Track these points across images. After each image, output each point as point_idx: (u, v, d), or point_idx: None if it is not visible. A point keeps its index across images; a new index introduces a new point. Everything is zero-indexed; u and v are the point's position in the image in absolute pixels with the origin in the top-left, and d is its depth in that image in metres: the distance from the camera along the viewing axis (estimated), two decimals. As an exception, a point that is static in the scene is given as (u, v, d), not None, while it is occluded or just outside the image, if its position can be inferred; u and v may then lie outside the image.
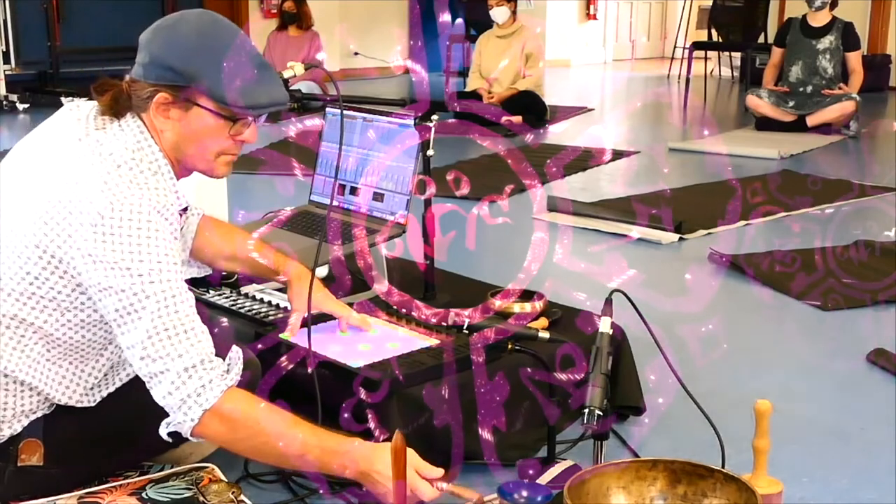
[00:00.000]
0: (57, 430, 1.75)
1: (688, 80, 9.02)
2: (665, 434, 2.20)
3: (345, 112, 2.52)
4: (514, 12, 7.18)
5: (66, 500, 1.72)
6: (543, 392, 1.98)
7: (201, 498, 1.73)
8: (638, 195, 4.58)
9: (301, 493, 1.91)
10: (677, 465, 1.63)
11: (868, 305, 3.13)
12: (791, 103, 6.69)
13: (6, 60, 8.12)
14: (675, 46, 9.79)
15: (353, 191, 2.54)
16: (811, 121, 6.58)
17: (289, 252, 2.17)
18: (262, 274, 2.13)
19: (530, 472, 1.88)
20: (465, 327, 2.09)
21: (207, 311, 2.24)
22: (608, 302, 1.84)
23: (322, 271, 2.35)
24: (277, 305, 2.26)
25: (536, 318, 2.24)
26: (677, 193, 4.69)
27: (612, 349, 1.80)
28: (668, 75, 10.13)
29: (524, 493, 1.73)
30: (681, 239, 3.94)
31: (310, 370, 1.89)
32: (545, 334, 2.04)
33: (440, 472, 1.67)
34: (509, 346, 2.02)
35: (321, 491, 1.87)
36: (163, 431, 1.67)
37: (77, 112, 1.72)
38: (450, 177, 3.32)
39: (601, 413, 1.70)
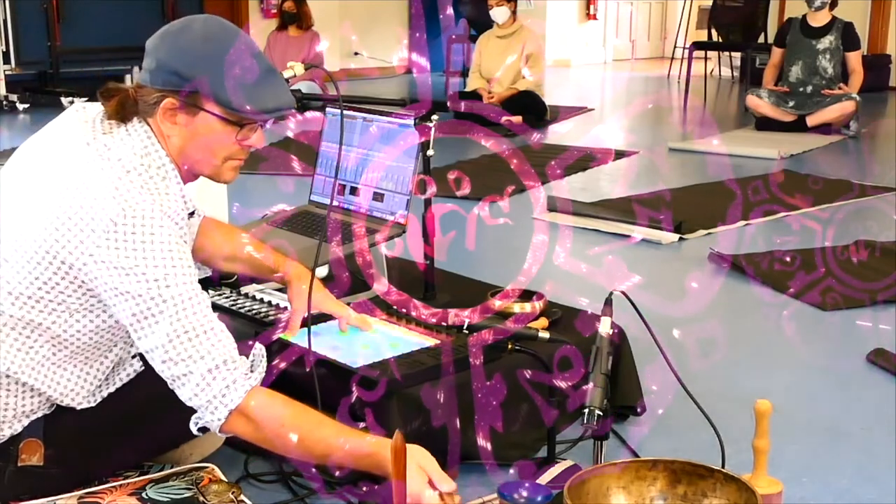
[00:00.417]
0: (57, 431, 1.75)
1: (688, 80, 9.02)
2: (665, 434, 2.20)
3: (345, 112, 2.52)
4: (514, 12, 7.18)
5: (66, 500, 1.72)
6: (542, 393, 1.98)
7: (201, 498, 1.73)
8: (638, 195, 4.58)
9: (301, 493, 1.91)
10: (677, 465, 1.63)
11: (867, 305, 3.13)
12: (791, 103, 6.69)
13: (6, 60, 8.12)
14: (675, 46, 9.79)
15: (353, 191, 2.54)
16: (811, 121, 6.58)
17: (288, 252, 2.17)
18: (261, 274, 2.14)
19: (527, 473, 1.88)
20: (464, 327, 2.09)
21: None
22: (608, 302, 1.84)
23: (322, 271, 2.35)
24: (277, 305, 2.26)
25: (536, 318, 2.24)
26: (677, 193, 4.69)
27: (612, 349, 1.80)
28: (668, 75, 10.13)
29: (524, 493, 1.73)
30: (681, 239, 3.94)
31: (308, 369, 1.89)
32: (545, 334, 2.04)
33: (453, 485, 1.66)
34: (509, 346, 2.02)
35: (316, 489, 1.87)
36: (193, 427, 1.68)
37: (83, 115, 1.72)
38: (452, 176, 3.33)
39: (601, 413, 1.70)
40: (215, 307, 2.26)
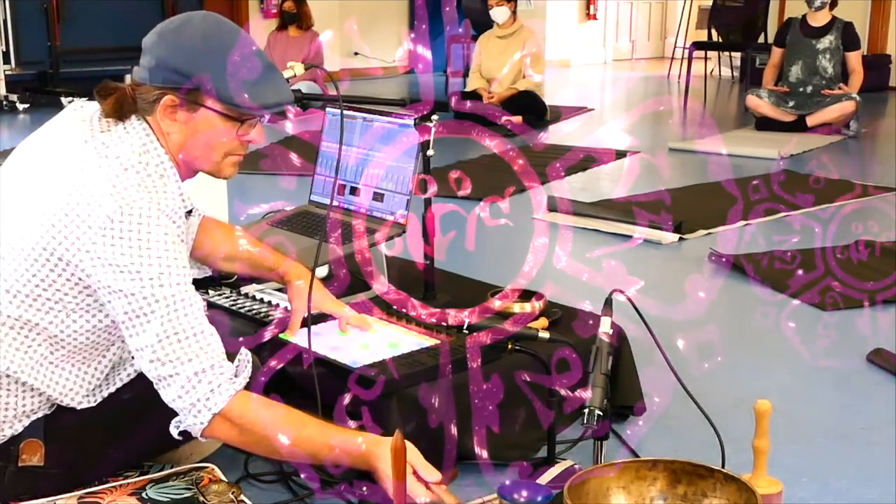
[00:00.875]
0: (58, 431, 1.75)
1: (688, 80, 9.02)
2: (665, 434, 2.20)
3: (345, 112, 2.52)
4: (514, 12, 7.18)
5: (66, 500, 1.72)
6: (540, 394, 1.98)
7: (201, 498, 1.73)
8: (638, 195, 4.58)
9: (301, 494, 1.91)
10: (677, 465, 1.63)
11: (867, 305, 3.13)
12: (791, 103, 6.69)
13: (6, 60, 8.12)
14: (675, 46, 9.79)
15: (354, 191, 2.54)
16: (811, 121, 6.58)
17: (288, 251, 2.17)
18: (261, 273, 2.14)
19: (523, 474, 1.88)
20: (464, 327, 2.09)
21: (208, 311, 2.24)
22: (608, 302, 1.84)
23: (322, 271, 2.35)
24: (277, 305, 2.26)
25: (536, 318, 2.24)
26: (677, 193, 4.69)
27: (612, 349, 1.80)
28: (668, 75, 10.13)
29: (524, 493, 1.73)
30: (681, 239, 3.94)
31: (305, 367, 1.90)
32: (545, 334, 2.04)
33: (438, 475, 1.67)
34: (509, 346, 2.02)
35: (315, 489, 1.87)
36: (174, 431, 1.68)
37: (80, 113, 1.72)
38: (454, 176, 3.33)
39: (601, 413, 1.70)
40: (215, 307, 2.28)
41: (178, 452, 1.97)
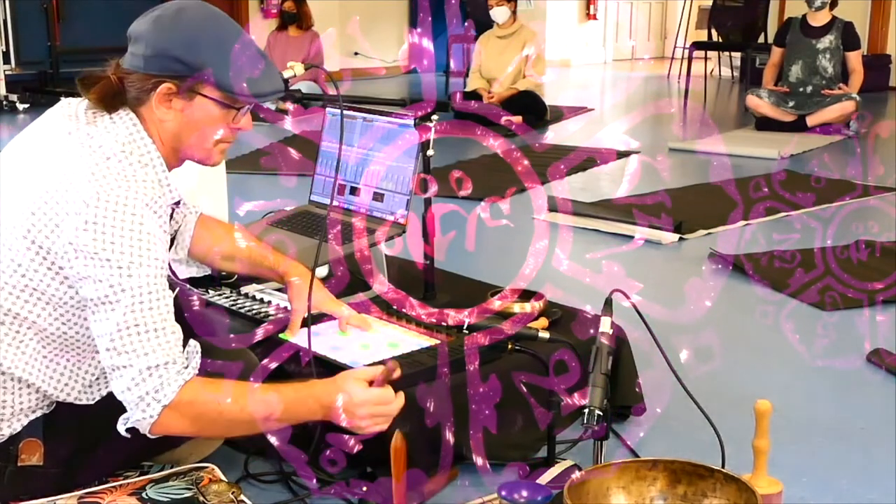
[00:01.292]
0: (57, 430, 1.75)
1: (688, 80, 9.02)
2: (665, 434, 2.20)
3: (345, 112, 2.52)
4: (514, 12, 7.18)
5: (66, 500, 1.72)
6: (538, 395, 1.98)
7: (201, 498, 1.73)
8: (638, 196, 4.58)
9: (301, 494, 1.91)
10: (677, 465, 1.63)
11: (867, 305, 3.13)
12: (791, 103, 6.69)
13: (6, 60, 8.12)
14: (675, 46, 9.79)
15: (354, 191, 2.54)
16: (811, 121, 6.58)
17: (288, 251, 2.17)
18: (261, 273, 2.14)
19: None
20: (465, 327, 2.09)
21: (207, 310, 2.24)
22: (608, 302, 1.84)
23: (322, 271, 2.35)
24: (277, 305, 2.26)
25: (536, 318, 2.24)
26: (677, 193, 4.69)
27: (612, 349, 1.80)
28: (668, 75, 10.13)
29: (524, 493, 1.73)
30: (681, 239, 3.94)
31: (303, 365, 1.90)
32: (545, 334, 2.04)
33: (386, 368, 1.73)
34: (509, 346, 2.02)
35: (310, 487, 1.87)
36: (121, 428, 1.66)
37: (67, 109, 1.72)
38: (456, 175, 3.32)
39: (601, 413, 1.70)
40: (215, 306, 2.28)
41: (178, 452, 1.96)
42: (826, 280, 3.28)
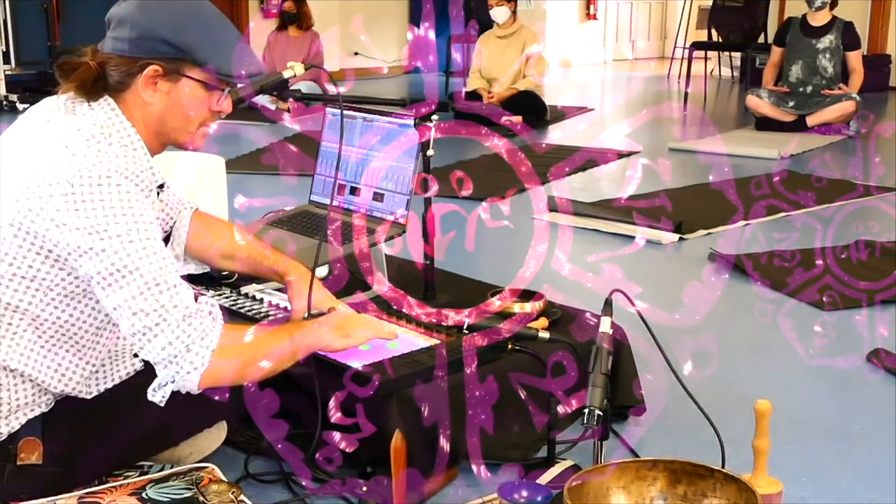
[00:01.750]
0: (56, 429, 1.75)
1: (688, 80, 9.01)
2: (665, 434, 2.20)
3: (345, 112, 2.52)
4: (514, 12, 7.18)
5: (66, 500, 1.72)
6: (536, 396, 1.98)
7: (201, 498, 1.73)
8: (638, 197, 4.58)
9: (301, 494, 1.91)
10: (677, 465, 1.63)
11: (867, 305, 3.13)
12: (791, 103, 6.69)
13: (6, 60, 8.12)
14: (675, 46, 9.79)
15: (354, 190, 2.54)
16: (811, 121, 6.58)
17: (288, 250, 2.17)
18: (260, 273, 2.13)
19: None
20: (465, 327, 2.09)
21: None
22: (608, 302, 1.84)
23: (322, 271, 2.35)
24: (277, 305, 2.26)
25: (536, 318, 2.24)
26: (677, 193, 4.69)
27: (612, 349, 1.80)
28: (668, 75, 10.13)
29: (524, 493, 1.73)
30: (681, 239, 3.94)
31: (301, 362, 1.90)
32: (545, 334, 2.04)
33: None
34: (509, 347, 2.01)
35: (304, 482, 1.88)
36: (155, 396, 1.66)
37: (48, 104, 1.73)
38: (457, 176, 3.33)
39: (601, 413, 1.70)
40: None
41: (178, 452, 1.97)
42: (825, 279, 3.28)
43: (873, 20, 9.49)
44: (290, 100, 2.43)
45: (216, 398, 1.73)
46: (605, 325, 1.80)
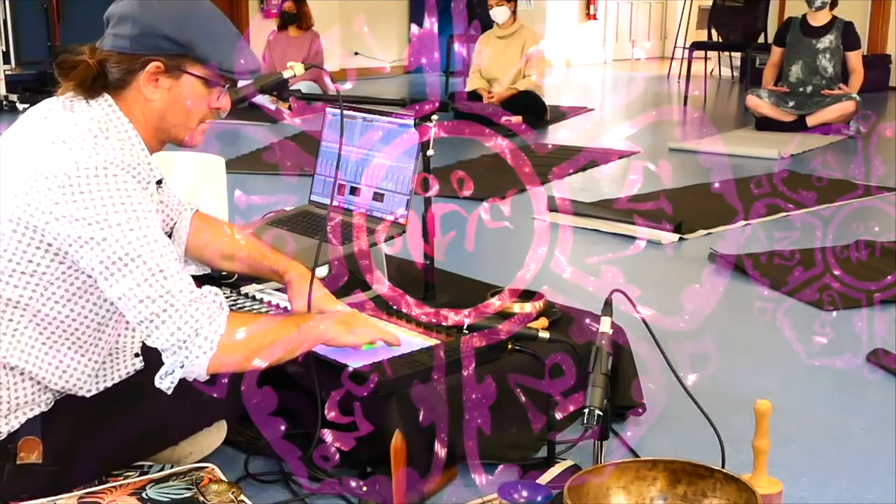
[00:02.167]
0: (55, 429, 1.75)
1: (688, 80, 9.01)
2: (665, 434, 2.20)
3: (345, 112, 2.52)
4: (514, 12, 7.18)
5: (66, 500, 1.72)
6: (535, 397, 1.97)
7: (201, 498, 1.73)
8: (637, 197, 4.57)
9: (301, 494, 1.91)
10: (677, 465, 1.63)
11: (867, 305, 3.13)
12: (791, 103, 6.69)
13: (6, 60, 8.11)
14: (675, 46, 9.78)
15: (354, 191, 2.54)
16: (811, 121, 6.58)
17: (287, 250, 2.17)
18: (260, 273, 2.13)
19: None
20: (465, 327, 2.09)
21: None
22: (608, 302, 1.84)
23: (322, 271, 2.35)
24: (277, 305, 2.26)
25: (536, 318, 2.24)
26: (677, 193, 4.69)
27: (612, 349, 1.80)
28: (668, 75, 10.12)
29: (524, 493, 1.73)
30: (681, 239, 3.94)
31: (300, 360, 1.90)
32: (545, 334, 2.04)
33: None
34: (509, 346, 2.01)
35: (300, 478, 1.88)
36: (163, 383, 1.66)
37: (46, 105, 1.74)
38: (458, 176, 3.33)
39: (601, 413, 1.70)
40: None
41: (178, 452, 1.97)
42: (825, 279, 3.28)
43: (873, 20, 9.49)
44: (293, 98, 2.43)
45: (214, 395, 1.74)
46: (605, 325, 1.80)
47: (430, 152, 2.36)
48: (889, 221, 4.12)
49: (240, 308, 2.25)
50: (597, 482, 1.61)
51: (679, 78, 9.58)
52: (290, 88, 2.29)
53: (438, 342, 2.06)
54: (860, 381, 2.61)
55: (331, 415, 1.79)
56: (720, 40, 9.34)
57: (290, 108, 6.56)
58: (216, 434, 2.03)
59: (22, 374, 1.70)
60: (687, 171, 5.43)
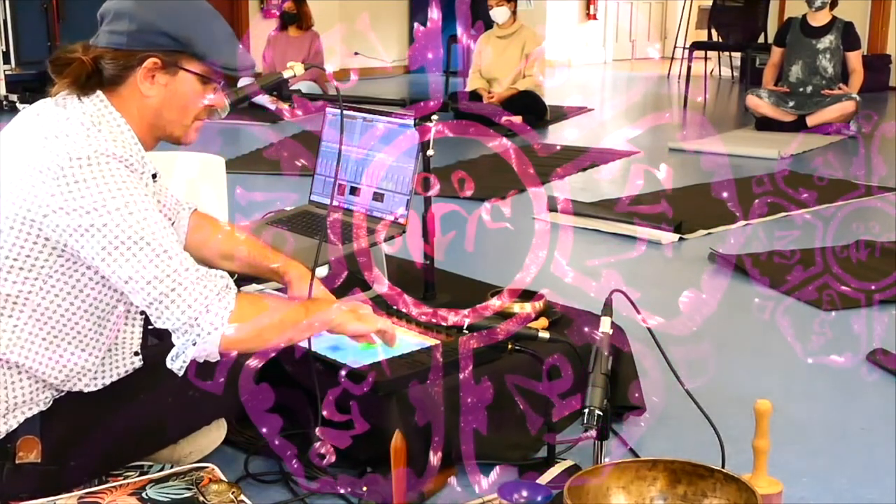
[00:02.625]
0: (54, 428, 1.75)
1: (688, 80, 9.01)
2: (665, 434, 2.20)
3: (345, 112, 2.52)
4: (514, 12, 7.18)
5: (66, 500, 1.72)
6: (534, 398, 1.97)
7: (201, 498, 1.73)
8: (638, 198, 4.57)
9: (301, 494, 1.91)
10: (677, 465, 1.63)
11: (866, 305, 3.13)
12: (791, 103, 6.69)
13: (6, 60, 8.12)
14: (675, 46, 9.79)
15: (354, 191, 2.54)
16: (811, 121, 6.58)
17: (288, 250, 2.17)
18: (259, 273, 2.13)
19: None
20: (465, 327, 2.09)
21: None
22: (608, 303, 1.84)
23: (322, 271, 2.35)
24: (277, 305, 2.26)
25: (536, 318, 2.24)
26: (677, 193, 4.69)
27: (612, 349, 1.80)
28: (668, 75, 10.12)
29: (524, 493, 1.73)
30: (681, 239, 3.94)
31: (298, 357, 1.90)
32: (545, 334, 2.04)
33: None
34: (509, 346, 2.01)
35: (296, 476, 1.88)
36: (175, 364, 1.65)
37: (41, 105, 1.74)
38: (458, 177, 3.32)
39: (601, 413, 1.70)
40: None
41: (178, 451, 1.97)
42: (824, 278, 3.28)
43: (873, 20, 9.49)
44: (294, 96, 2.43)
45: (212, 392, 1.73)
46: (605, 326, 1.80)
47: (430, 152, 2.36)
48: (889, 221, 4.12)
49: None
50: (597, 482, 1.61)
51: (679, 78, 9.59)
52: (290, 88, 2.29)
53: (438, 342, 2.06)
54: (860, 381, 2.61)
55: (327, 412, 1.79)
56: (720, 40, 9.35)
57: (291, 106, 6.56)
58: (216, 434, 2.03)
59: (21, 371, 1.70)
60: (687, 171, 5.43)
